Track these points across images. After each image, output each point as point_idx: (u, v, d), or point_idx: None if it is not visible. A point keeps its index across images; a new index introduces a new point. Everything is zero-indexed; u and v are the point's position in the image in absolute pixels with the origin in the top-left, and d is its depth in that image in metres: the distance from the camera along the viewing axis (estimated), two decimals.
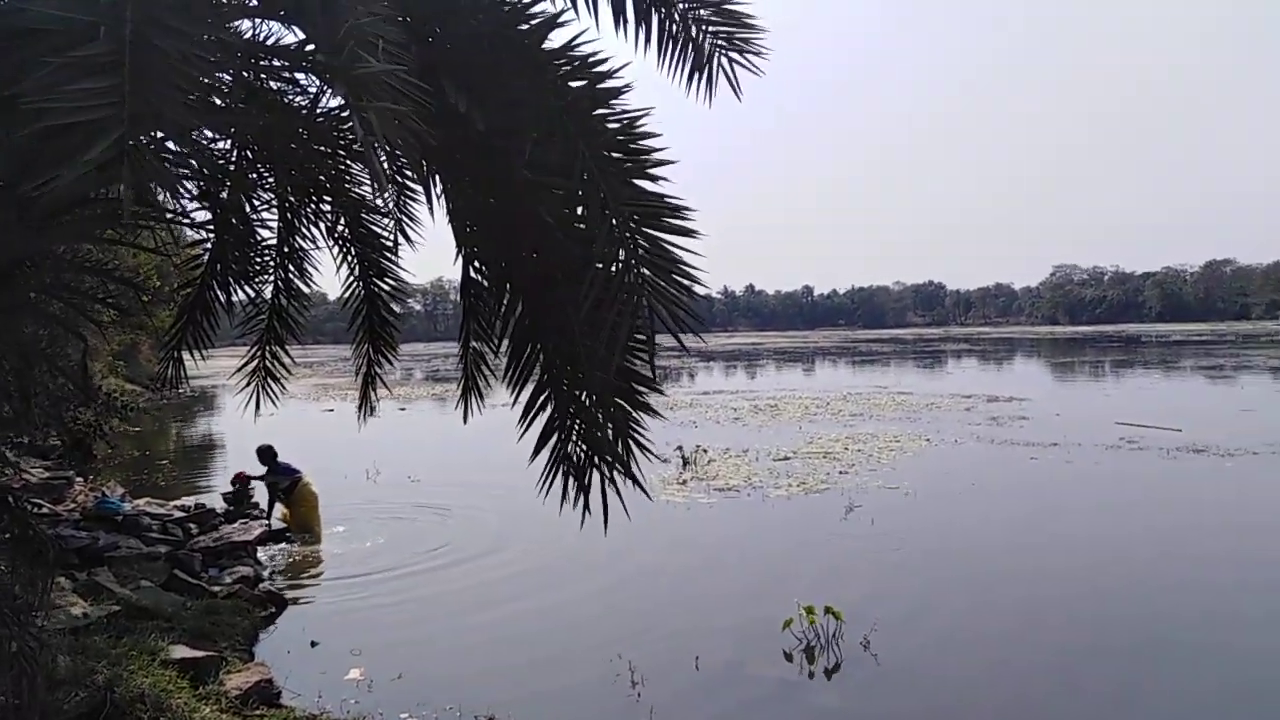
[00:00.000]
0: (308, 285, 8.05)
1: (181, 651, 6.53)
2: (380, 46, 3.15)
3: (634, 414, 4.78)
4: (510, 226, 4.67)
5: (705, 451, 17.26)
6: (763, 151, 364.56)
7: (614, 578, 9.59)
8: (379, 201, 6.65)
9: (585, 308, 4.22)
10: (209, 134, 5.52)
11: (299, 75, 5.42)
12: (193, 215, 6.06)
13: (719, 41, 5.87)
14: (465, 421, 6.75)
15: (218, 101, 4.62)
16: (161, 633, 6.89)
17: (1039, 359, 57.38)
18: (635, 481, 4.87)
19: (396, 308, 8.40)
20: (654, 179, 4.39)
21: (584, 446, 4.88)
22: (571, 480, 4.96)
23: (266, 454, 11.99)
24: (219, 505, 12.23)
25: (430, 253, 7.21)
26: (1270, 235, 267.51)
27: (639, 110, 4.38)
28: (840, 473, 15.20)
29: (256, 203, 6.88)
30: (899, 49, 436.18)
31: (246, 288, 7.85)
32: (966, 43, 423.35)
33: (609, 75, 4.37)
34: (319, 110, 5.53)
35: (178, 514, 11.29)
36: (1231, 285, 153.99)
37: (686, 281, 4.34)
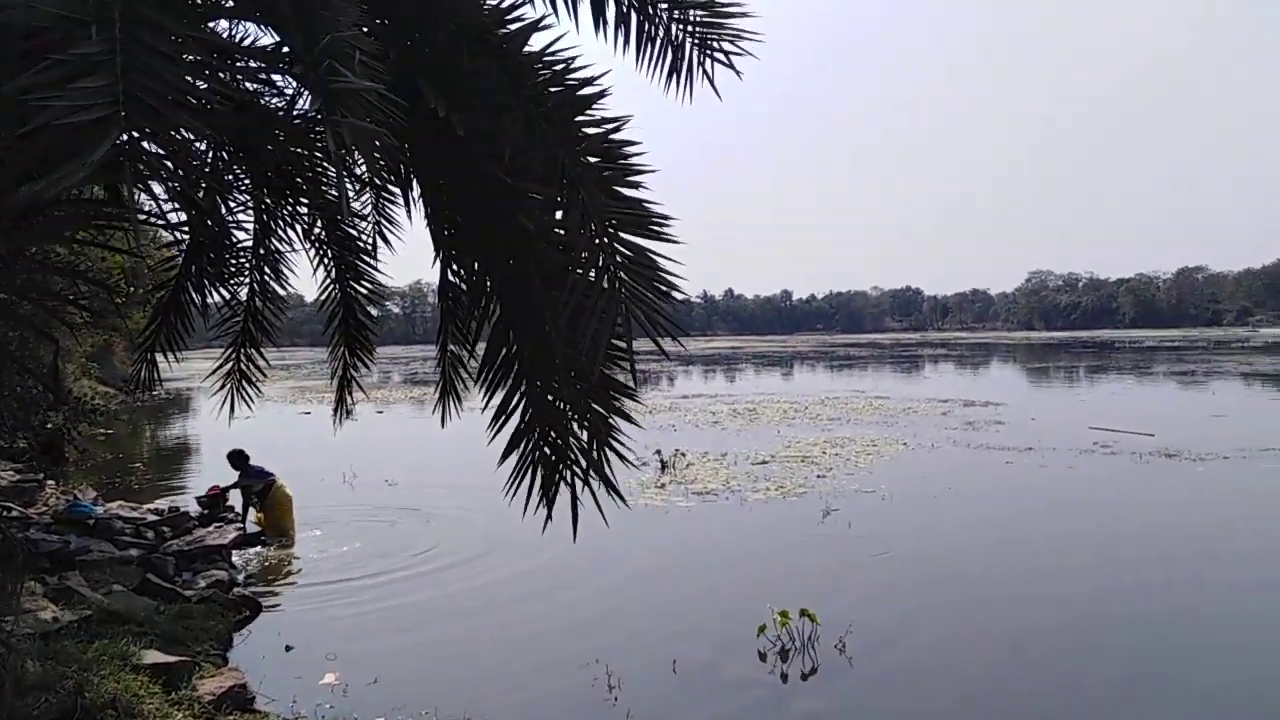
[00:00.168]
0: (284, 287, 8.01)
1: (154, 656, 6.46)
2: (356, 58, 3.14)
3: (610, 420, 4.78)
4: (488, 231, 4.67)
5: (684, 455, 17.29)
6: (745, 155, 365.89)
7: (591, 582, 9.58)
8: (349, 210, 6.62)
9: (565, 315, 4.22)
10: (185, 134, 5.49)
11: (275, 77, 5.40)
12: (168, 216, 6.01)
13: (698, 42, 5.89)
14: (443, 425, 6.73)
15: (194, 102, 4.59)
16: (134, 637, 6.81)
17: (1014, 364, 57.86)
18: (610, 487, 4.87)
19: (374, 310, 8.37)
20: (633, 185, 4.40)
21: (554, 453, 4.88)
22: (540, 485, 4.95)
23: (238, 458, 11.89)
24: (193, 509, 12.10)
25: (409, 255, 7.20)
26: (1241, 243, 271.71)
27: (619, 116, 4.40)
28: (818, 477, 15.26)
29: (232, 204, 6.83)
30: (873, 56, 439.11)
31: (222, 289, 7.79)
32: (943, 51, 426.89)
33: (589, 81, 4.38)
34: (295, 112, 5.50)
35: (151, 517, 11.17)
36: (1203, 292, 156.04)
37: (665, 289, 4.35)
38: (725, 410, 27.40)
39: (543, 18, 4.55)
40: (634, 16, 5.71)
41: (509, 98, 4.25)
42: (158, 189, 4.56)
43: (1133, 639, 7.75)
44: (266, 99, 5.69)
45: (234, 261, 7.56)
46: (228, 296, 7.87)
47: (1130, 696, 6.65)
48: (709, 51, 5.84)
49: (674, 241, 4.35)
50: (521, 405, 4.90)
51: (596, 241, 4.18)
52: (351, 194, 6.79)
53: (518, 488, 4.95)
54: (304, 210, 7.21)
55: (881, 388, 36.41)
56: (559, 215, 4.43)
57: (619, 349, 4.47)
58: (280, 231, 7.48)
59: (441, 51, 4.31)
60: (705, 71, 5.94)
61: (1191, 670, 7.16)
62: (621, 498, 5.15)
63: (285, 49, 4.56)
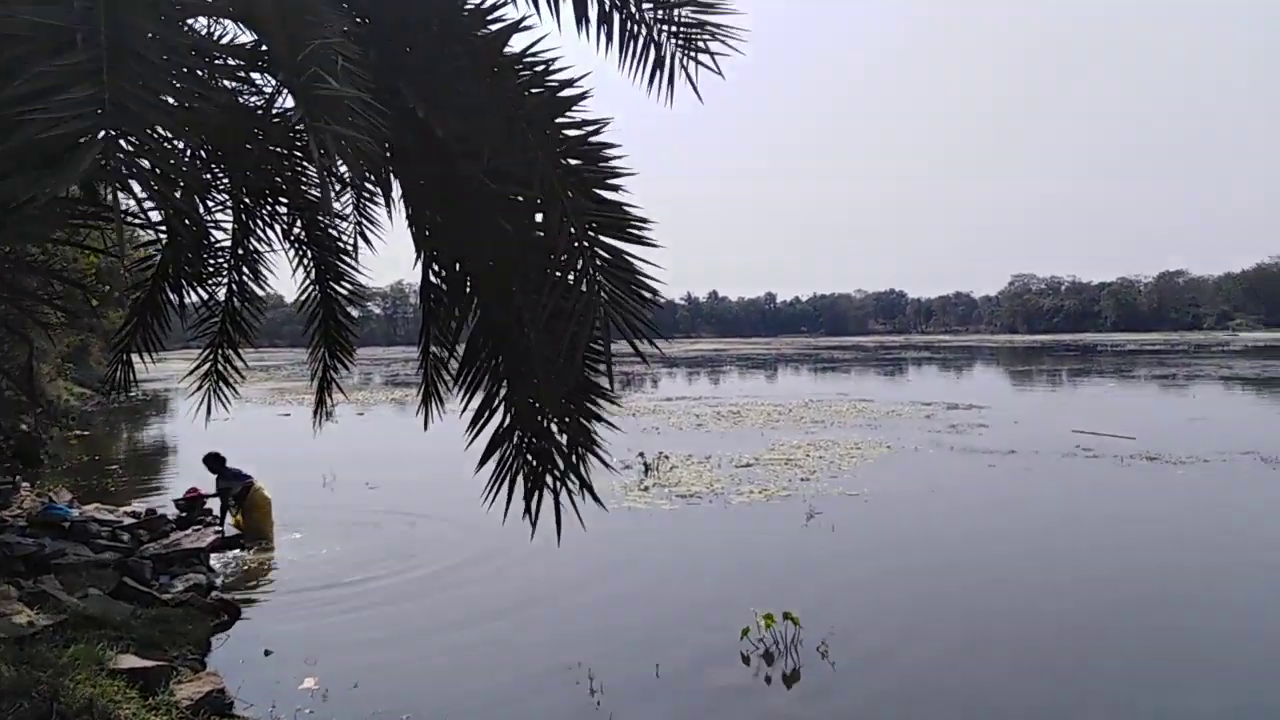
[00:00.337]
0: (263, 288, 7.96)
1: (130, 661, 6.37)
2: (339, 64, 3.11)
3: (588, 423, 4.76)
4: (468, 232, 4.64)
5: (667, 458, 17.27)
6: (730, 155, 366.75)
7: (573, 585, 9.54)
8: (331, 212, 6.58)
9: (543, 317, 4.19)
10: (164, 134, 5.43)
11: (254, 75, 5.35)
12: (145, 216, 5.95)
13: (681, 43, 5.88)
14: (426, 428, 6.68)
15: (175, 103, 4.53)
16: (110, 642, 6.71)
17: (998, 367, 58.18)
18: (588, 490, 4.84)
19: (354, 311, 8.33)
20: (613, 188, 4.38)
21: (535, 457, 4.85)
22: (520, 489, 4.93)
23: (214, 461, 11.77)
24: (171, 511, 11.99)
25: (391, 255, 7.16)
26: (1221, 247, 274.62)
27: (599, 119, 4.37)
28: (802, 479, 15.27)
29: (211, 204, 6.76)
30: (853, 60, 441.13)
31: (199, 290, 7.72)
32: (925, 50, 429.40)
33: (569, 83, 4.36)
34: (275, 110, 5.45)
35: (128, 520, 11.05)
36: (1184, 296, 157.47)
37: (644, 291, 4.33)
38: (709, 413, 27.41)
39: (523, 19, 4.53)
40: (616, 16, 5.69)
41: (489, 99, 4.22)
42: (136, 188, 4.50)
43: (1120, 636, 7.80)
44: (245, 97, 5.64)
45: (212, 261, 7.50)
46: (205, 297, 7.81)
47: (1116, 691, 6.66)
48: (691, 52, 5.83)
49: (653, 245, 4.33)
50: (501, 408, 4.87)
51: (576, 244, 4.16)
52: (332, 195, 6.74)
53: (497, 492, 4.92)
54: (283, 210, 7.16)
55: (865, 390, 36.50)
56: (539, 218, 4.40)
57: (598, 352, 4.44)
58: (259, 231, 7.43)
59: (421, 53, 4.28)
60: (687, 72, 5.93)
61: (1168, 654, 7.22)
62: (599, 501, 5.13)
63: (264, 48, 4.51)
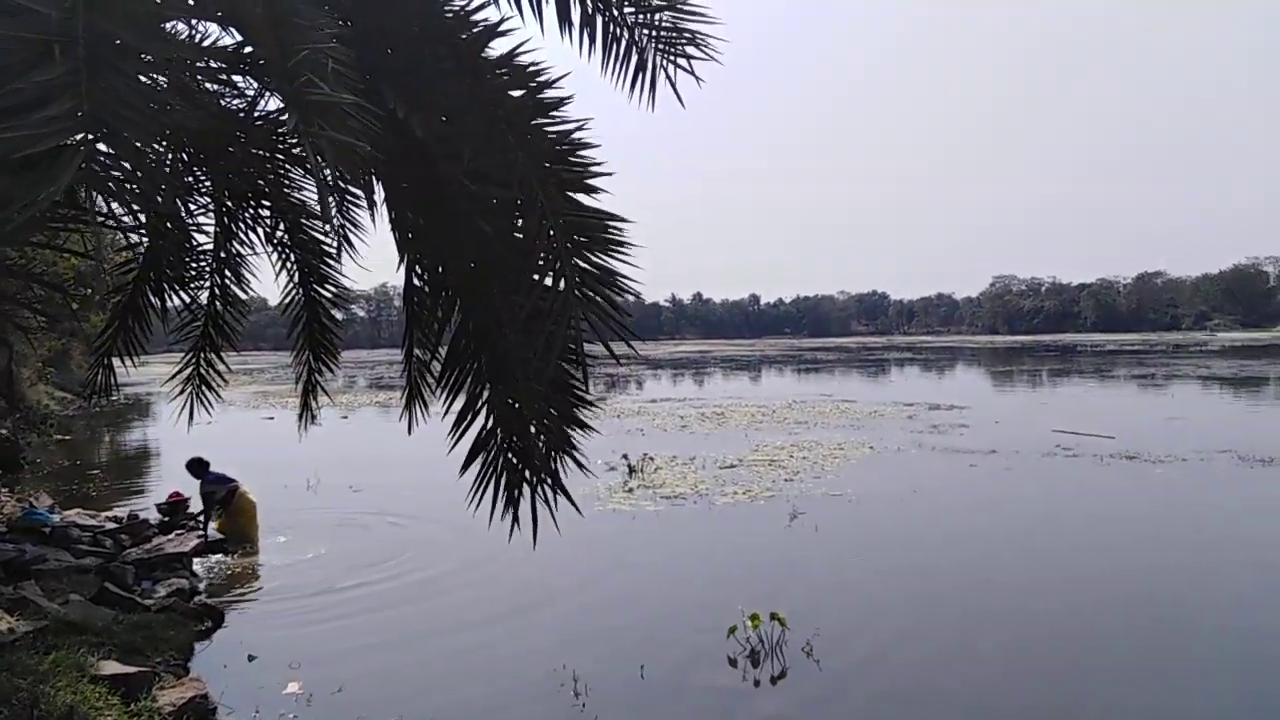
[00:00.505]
0: (245, 291, 7.93)
1: (112, 667, 6.34)
2: (330, 68, 3.12)
3: (568, 426, 4.78)
4: (449, 234, 4.65)
5: (652, 460, 17.28)
6: (713, 158, 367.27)
7: (558, 586, 9.54)
8: (330, 219, 6.57)
9: (521, 317, 4.21)
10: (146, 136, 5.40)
11: (236, 78, 5.33)
12: (127, 219, 5.92)
13: (662, 47, 5.91)
14: (410, 432, 6.67)
15: (153, 104, 4.52)
16: (91, 648, 6.67)
17: (979, 367, 58.53)
18: (565, 494, 4.86)
19: (338, 314, 8.31)
20: (592, 190, 4.40)
21: (517, 458, 4.86)
22: (503, 492, 4.94)
23: (198, 466, 11.70)
24: (153, 516, 11.90)
25: (375, 258, 7.15)
26: (1198, 248, 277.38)
27: (578, 120, 4.39)
28: (785, 480, 15.33)
29: (193, 207, 6.73)
30: (838, 61, 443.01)
31: (182, 293, 7.69)
32: (909, 54, 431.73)
33: (549, 84, 4.38)
34: (257, 113, 5.44)
35: (109, 525, 10.97)
36: (1162, 297, 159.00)
37: (621, 291, 4.35)
38: (693, 414, 27.45)
39: (503, 20, 4.54)
40: (599, 19, 5.71)
41: (470, 101, 4.23)
42: (116, 191, 4.48)
43: (1104, 633, 7.87)
44: (227, 100, 5.62)
45: (194, 265, 7.46)
46: (188, 300, 7.77)
47: (1099, 686, 6.73)
48: (672, 56, 5.86)
49: (631, 245, 4.35)
50: (484, 411, 4.88)
51: (554, 244, 4.18)
52: (314, 198, 6.72)
53: (481, 495, 4.93)
54: (266, 213, 7.14)
55: (848, 391, 36.65)
56: (518, 219, 4.42)
57: (575, 354, 4.46)
58: (242, 234, 7.39)
59: (403, 55, 4.28)
60: (669, 76, 5.96)
61: (1151, 652, 7.30)
62: (574, 504, 5.15)
63: (248, 49, 4.50)
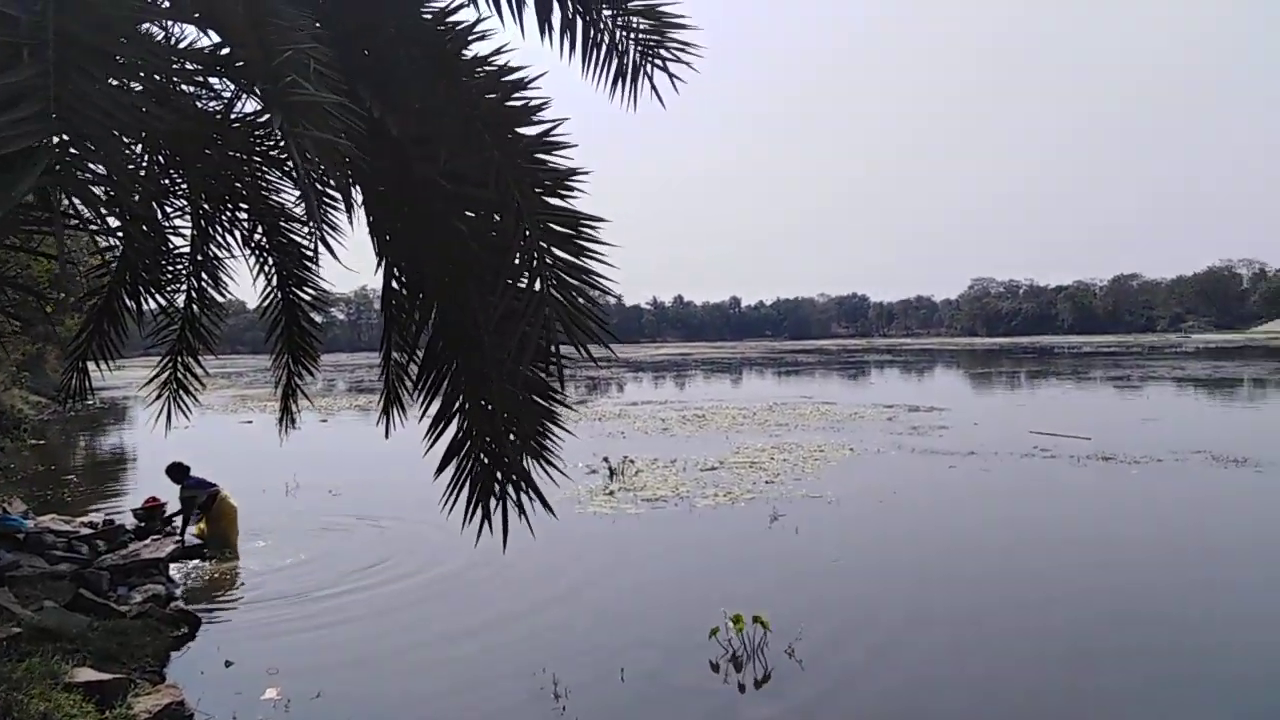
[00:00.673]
0: (223, 294, 7.87)
1: (86, 674, 6.27)
2: (312, 68, 3.11)
3: (543, 429, 4.77)
4: (425, 235, 4.64)
5: (633, 462, 17.28)
6: (694, 161, 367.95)
7: (540, 590, 9.52)
8: (316, 220, 6.52)
9: (495, 318, 4.21)
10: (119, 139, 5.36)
11: (213, 80, 5.30)
12: (102, 221, 5.87)
13: (643, 50, 5.93)
14: (387, 436, 6.64)
15: (128, 110, 4.49)
16: (65, 655, 6.61)
17: (958, 370, 58.91)
18: (540, 498, 4.85)
19: (318, 317, 8.27)
20: (569, 189, 4.41)
21: (492, 462, 4.85)
22: (478, 496, 4.93)
23: (178, 471, 11.59)
24: (129, 521, 11.78)
25: (355, 261, 7.10)
26: (1172, 251, 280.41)
27: (555, 120, 4.40)
28: (766, 482, 15.37)
29: (169, 209, 6.68)
30: (821, 61, 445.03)
31: (158, 296, 7.62)
32: (893, 60, 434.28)
33: (526, 84, 4.38)
34: (234, 115, 5.41)
35: (84, 531, 10.84)
36: (1138, 299, 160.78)
37: (597, 290, 4.36)
38: (674, 416, 27.48)
39: (479, 20, 4.53)
40: (579, 22, 5.72)
41: (446, 101, 4.23)
42: (92, 193, 4.44)
43: (1084, 635, 7.92)
44: (204, 102, 5.58)
45: (171, 268, 7.40)
46: (164, 303, 7.70)
47: (1082, 688, 6.79)
48: (653, 60, 5.88)
49: (607, 244, 4.36)
50: (459, 414, 4.87)
51: (529, 243, 4.18)
52: (292, 200, 6.69)
53: (456, 498, 4.91)
54: (244, 216, 7.09)
55: (828, 393, 36.81)
56: (495, 218, 4.41)
57: (550, 353, 4.46)
58: (219, 237, 7.34)
59: (379, 54, 4.27)
60: (650, 79, 5.97)
61: (1130, 655, 7.35)
62: (550, 508, 5.14)
63: (225, 51, 4.48)
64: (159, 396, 8.56)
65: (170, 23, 5.18)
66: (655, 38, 5.83)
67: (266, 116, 3.35)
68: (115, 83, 2.92)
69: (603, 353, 4.41)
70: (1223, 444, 18.15)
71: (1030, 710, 6.61)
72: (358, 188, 4.92)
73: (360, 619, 8.77)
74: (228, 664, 7.40)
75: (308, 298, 7.94)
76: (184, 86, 5.39)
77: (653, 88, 6.09)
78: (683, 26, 5.78)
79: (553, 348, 4.37)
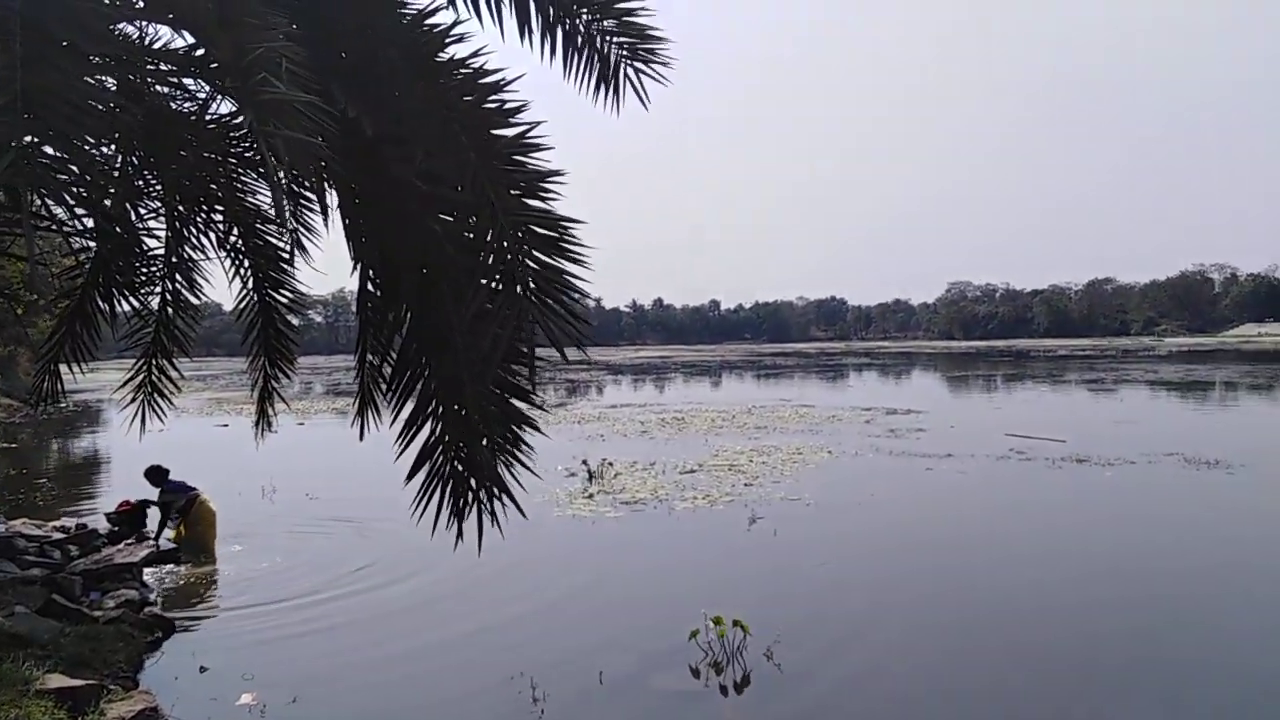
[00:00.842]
0: (198, 297, 7.80)
1: (58, 681, 6.20)
2: (284, 67, 3.09)
3: (517, 431, 4.77)
4: (400, 237, 4.62)
5: (612, 465, 17.27)
6: (677, 164, 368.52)
7: (518, 594, 9.49)
8: (285, 220, 6.48)
9: (467, 318, 4.20)
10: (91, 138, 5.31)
11: (187, 80, 5.26)
12: (74, 222, 5.81)
13: (624, 53, 5.94)
14: (362, 438, 6.61)
15: (99, 106, 4.44)
16: (37, 661, 6.52)
17: (935, 373, 59.31)
18: (513, 502, 4.85)
19: (294, 320, 8.21)
20: (545, 191, 4.41)
21: (465, 466, 4.84)
22: (449, 500, 4.91)
23: (157, 474, 11.48)
24: (102, 526, 11.64)
25: (332, 263, 7.08)
26: (1145, 255, 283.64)
27: (532, 123, 4.39)
28: (745, 485, 15.40)
29: (143, 210, 6.62)
30: (799, 66, 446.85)
31: (132, 298, 7.54)
32: (865, 63, 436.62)
33: (502, 86, 4.37)
34: (209, 116, 5.37)
35: (57, 535, 10.71)
36: (1112, 302, 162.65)
37: (572, 292, 4.36)
38: (654, 419, 27.49)
39: (457, 22, 4.52)
40: (560, 27, 5.72)
41: (423, 102, 4.22)
42: (62, 195, 4.40)
43: (1064, 633, 8.00)
44: (178, 103, 5.54)
45: (144, 270, 7.33)
46: (138, 305, 7.62)
47: (1067, 687, 6.85)
48: (634, 64, 5.89)
49: (584, 245, 4.37)
50: (431, 418, 4.85)
51: (504, 244, 4.17)
52: (267, 203, 6.65)
53: (427, 503, 4.90)
54: (219, 218, 7.04)
55: (807, 396, 36.96)
56: (471, 220, 4.41)
57: (524, 354, 4.46)
58: (194, 239, 7.28)
59: (355, 54, 4.26)
60: (632, 82, 5.99)
61: (1111, 651, 7.43)
62: (523, 512, 5.13)
63: (200, 52, 4.44)
64: (133, 400, 8.48)
65: (144, 22, 5.13)
66: (638, 40, 5.84)
67: (241, 118, 3.33)
68: (87, 80, 2.89)
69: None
70: (1195, 446, 18.37)
71: (1006, 705, 6.66)
72: (333, 190, 4.89)
73: (336, 623, 8.71)
74: (202, 670, 7.33)
75: (284, 300, 7.88)
76: (158, 86, 5.35)
77: (636, 92, 6.11)
78: (655, 38, 5.81)
79: (531, 350, 4.37)
